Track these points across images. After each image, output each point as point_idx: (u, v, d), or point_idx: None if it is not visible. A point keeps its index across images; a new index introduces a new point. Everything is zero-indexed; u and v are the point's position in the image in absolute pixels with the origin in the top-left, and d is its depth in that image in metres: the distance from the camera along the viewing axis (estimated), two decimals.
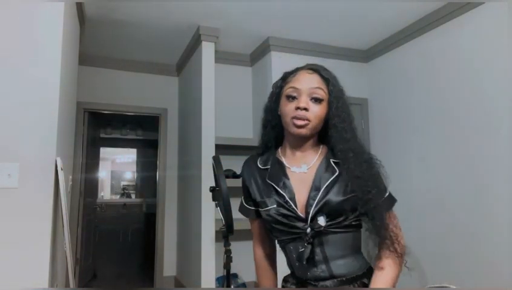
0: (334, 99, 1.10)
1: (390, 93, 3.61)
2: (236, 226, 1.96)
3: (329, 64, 1.22)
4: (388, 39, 3.60)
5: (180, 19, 3.21)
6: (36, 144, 1.86)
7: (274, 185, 1.11)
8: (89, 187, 4.35)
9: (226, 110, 3.77)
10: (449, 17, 2.99)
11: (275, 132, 1.21)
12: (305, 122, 1.06)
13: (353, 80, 3.72)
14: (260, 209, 1.14)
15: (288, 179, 1.11)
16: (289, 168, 1.13)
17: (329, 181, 1.06)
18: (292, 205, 1.06)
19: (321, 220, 1.03)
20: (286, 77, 1.18)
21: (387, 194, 1.08)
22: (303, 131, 1.07)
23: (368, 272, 1.07)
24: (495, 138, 2.62)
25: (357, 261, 1.08)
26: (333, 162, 1.10)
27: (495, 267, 2.56)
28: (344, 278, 1.04)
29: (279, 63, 3.57)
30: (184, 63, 4.00)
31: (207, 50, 3.41)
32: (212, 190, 2.02)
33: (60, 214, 1.98)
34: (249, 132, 3.95)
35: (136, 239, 6.29)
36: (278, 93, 1.18)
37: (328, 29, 3.42)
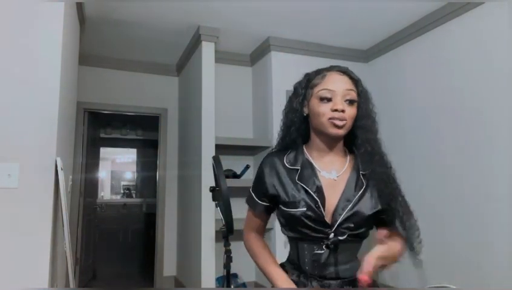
0: (364, 101, 1.15)
1: (390, 93, 3.61)
2: (236, 226, 1.96)
3: (329, 64, 1.23)
4: (388, 39, 3.60)
5: (180, 19, 3.21)
6: (36, 144, 1.86)
7: (307, 188, 1.11)
8: (89, 187, 4.35)
9: (226, 110, 3.77)
10: (449, 17, 2.99)
11: (299, 133, 1.21)
12: (344, 122, 1.09)
13: None
14: (285, 209, 1.13)
15: (320, 183, 1.12)
16: (320, 172, 1.15)
17: (359, 194, 1.11)
18: (322, 210, 1.09)
19: (346, 231, 1.08)
20: (311, 78, 1.18)
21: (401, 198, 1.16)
22: (341, 131, 1.10)
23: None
24: (496, 138, 2.62)
25: (357, 265, 1.14)
26: (362, 174, 1.14)
27: (495, 268, 2.56)
28: (346, 279, 1.11)
29: (279, 63, 3.57)
30: (184, 63, 4.00)
31: (207, 50, 3.41)
32: (212, 190, 2.02)
33: (60, 214, 1.98)
34: (249, 132, 3.95)
35: (136, 239, 6.29)
36: (303, 94, 1.18)
37: (328, 29, 3.42)
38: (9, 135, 1.82)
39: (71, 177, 2.67)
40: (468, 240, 2.76)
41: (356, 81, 1.15)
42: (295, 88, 1.23)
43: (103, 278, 4.64)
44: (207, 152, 3.24)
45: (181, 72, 4.23)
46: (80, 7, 2.81)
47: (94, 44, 3.71)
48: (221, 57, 3.76)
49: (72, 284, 2.04)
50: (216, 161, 1.91)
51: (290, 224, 1.13)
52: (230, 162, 3.68)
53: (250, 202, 1.26)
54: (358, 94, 1.14)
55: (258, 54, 3.83)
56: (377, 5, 2.99)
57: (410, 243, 1.14)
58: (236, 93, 3.99)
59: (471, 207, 2.75)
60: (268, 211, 1.24)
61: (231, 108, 3.89)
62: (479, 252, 2.68)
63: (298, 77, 1.27)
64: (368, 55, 3.88)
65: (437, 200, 3.02)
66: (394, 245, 1.11)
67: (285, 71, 3.52)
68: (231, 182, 3.26)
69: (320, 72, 1.18)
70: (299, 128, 1.20)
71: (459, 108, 2.90)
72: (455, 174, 2.90)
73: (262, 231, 1.30)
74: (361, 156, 1.15)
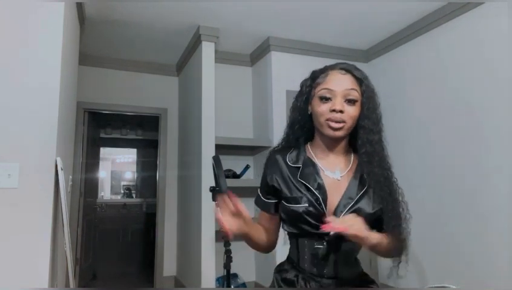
0: (366, 100, 1.12)
1: (390, 93, 3.61)
2: None
3: (329, 64, 1.22)
4: (388, 39, 3.60)
5: (180, 19, 3.21)
6: (36, 144, 1.86)
7: (308, 185, 1.12)
8: (89, 187, 4.35)
9: (226, 110, 3.77)
10: (449, 17, 2.99)
11: (303, 132, 1.22)
12: (341, 124, 1.08)
13: None
14: (287, 205, 1.14)
15: (322, 180, 1.12)
16: (323, 170, 1.15)
17: (362, 192, 1.11)
18: (323, 206, 1.09)
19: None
20: (316, 77, 1.17)
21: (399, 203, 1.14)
22: (338, 133, 1.10)
23: (360, 275, 1.17)
24: (496, 137, 2.62)
25: (355, 266, 1.17)
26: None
27: (495, 268, 2.56)
28: (344, 280, 1.11)
29: (279, 63, 3.57)
30: (184, 63, 4.00)
31: (207, 50, 3.41)
32: (212, 190, 2.02)
33: (60, 214, 1.98)
34: (249, 132, 3.95)
35: (136, 239, 6.29)
36: (308, 93, 1.18)
37: (328, 29, 3.42)
38: (9, 135, 1.82)
39: (71, 177, 2.67)
40: (468, 240, 2.76)
41: (359, 80, 1.12)
42: (301, 86, 1.22)
43: (103, 278, 4.64)
44: (207, 152, 3.24)
45: (181, 72, 4.23)
46: (80, 7, 2.81)
47: (94, 44, 3.71)
48: (221, 57, 3.76)
49: (72, 284, 2.04)
50: (216, 161, 1.91)
51: (291, 220, 1.14)
52: (230, 162, 3.68)
53: (262, 204, 1.24)
54: (362, 93, 1.12)
55: (258, 54, 3.83)
56: (377, 5, 2.99)
57: (397, 252, 1.13)
58: (236, 93, 3.98)
59: (471, 207, 2.75)
60: (276, 209, 1.21)
61: (231, 108, 3.88)
62: (478, 252, 2.68)
63: (297, 76, 1.27)
64: (368, 55, 3.88)
65: (437, 199, 3.02)
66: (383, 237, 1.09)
67: (285, 71, 3.52)
68: (231, 182, 3.26)
69: (324, 71, 1.16)
70: (303, 127, 1.21)
71: (459, 108, 2.90)
72: (454, 173, 2.90)
73: (274, 237, 1.24)
74: (361, 157, 1.14)
